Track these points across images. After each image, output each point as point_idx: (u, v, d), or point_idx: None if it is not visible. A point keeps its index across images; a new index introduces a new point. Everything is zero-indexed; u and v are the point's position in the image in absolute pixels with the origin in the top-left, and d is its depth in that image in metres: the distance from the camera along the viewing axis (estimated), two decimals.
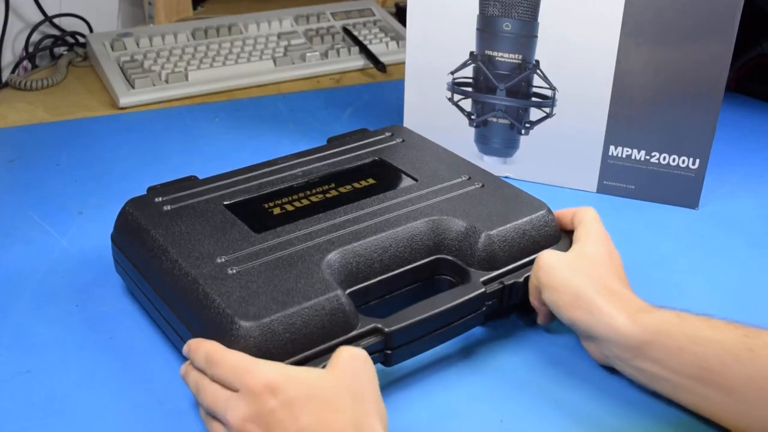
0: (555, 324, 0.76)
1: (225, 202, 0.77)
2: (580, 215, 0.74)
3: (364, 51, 1.34)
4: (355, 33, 1.39)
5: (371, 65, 1.32)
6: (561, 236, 0.76)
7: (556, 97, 0.95)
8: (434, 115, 1.01)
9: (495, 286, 0.71)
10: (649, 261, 0.84)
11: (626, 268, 0.83)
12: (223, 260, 0.68)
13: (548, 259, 0.68)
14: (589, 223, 0.72)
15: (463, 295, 0.68)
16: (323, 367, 0.58)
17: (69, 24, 1.39)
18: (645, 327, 0.61)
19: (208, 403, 0.58)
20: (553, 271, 0.67)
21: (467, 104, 1.00)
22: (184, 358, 0.69)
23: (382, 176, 0.83)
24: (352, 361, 0.57)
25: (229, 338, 0.60)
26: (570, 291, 0.65)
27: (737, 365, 0.56)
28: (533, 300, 0.71)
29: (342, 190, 0.80)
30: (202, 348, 0.60)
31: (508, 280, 0.71)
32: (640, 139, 0.94)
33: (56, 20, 1.37)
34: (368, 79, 1.31)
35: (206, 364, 0.59)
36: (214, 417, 0.58)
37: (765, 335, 0.57)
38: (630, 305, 0.63)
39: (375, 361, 0.64)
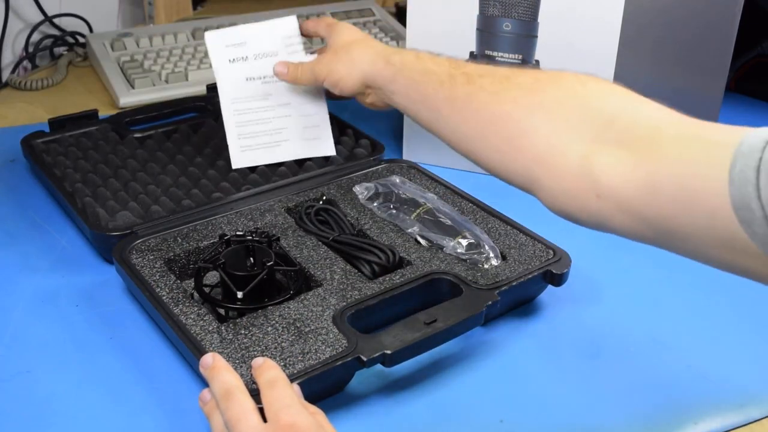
0: (555, 325, 0.76)
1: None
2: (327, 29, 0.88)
3: None
4: None
5: None
6: None
7: None
8: None
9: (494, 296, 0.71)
10: (649, 261, 0.84)
11: (626, 267, 0.83)
12: None
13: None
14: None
15: (465, 313, 0.69)
16: None
17: (69, 24, 1.39)
18: (393, 64, 0.77)
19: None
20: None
21: None
22: (185, 360, 0.69)
23: None
24: None
25: None
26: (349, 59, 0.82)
27: (441, 89, 0.69)
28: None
29: None
30: (219, 380, 0.59)
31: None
32: None
33: (56, 20, 1.37)
34: None
35: (221, 399, 0.58)
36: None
37: (466, 66, 0.69)
38: (384, 51, 0.79)
39: (375, 362, 0.64)
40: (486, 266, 0.75)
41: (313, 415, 0.56)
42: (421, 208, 0.82)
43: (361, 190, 0.87)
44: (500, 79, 0.66)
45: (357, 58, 0.81)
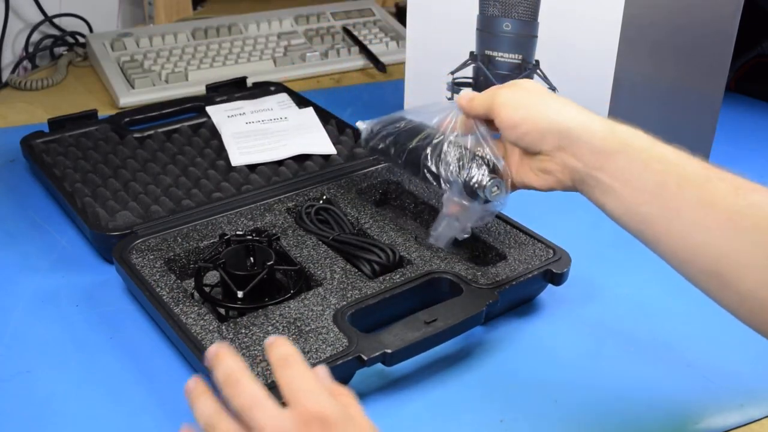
0: (555, 324, 0.76)
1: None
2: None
3: (364, 51, 1.34)
4: (355, 33, 1.39)
5: (371, 65, 1.32)
6: None
7: None
8: None
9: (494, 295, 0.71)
10: (649, 261, 0.84)
11: (626, 267, 0.83)
12: None
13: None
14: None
15: (465, 312, 0.69)
16: None
17: (69, 24, 1.39)
18: (620, 135, 0.61)
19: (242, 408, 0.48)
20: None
21: None
22: (185, 360, 0.69)
23: None
24: None
25: None
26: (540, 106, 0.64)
27: (693, 189, 0.56)
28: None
29: None
30: (223, 365, 0.51)
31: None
32: None
33: (56, 20, 1.37)
34: (368, 79, 1.31)
35: (225, 384, 0.50)
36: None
37: (727, 175, 0.57)
38: (602, 117, 0.62)
39: (375, 361, 0.64)
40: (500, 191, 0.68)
41: (339, 397, 0.49)
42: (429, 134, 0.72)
43: (366, 127, 0.80)
44: None
45: (552, 104, 0.63)
